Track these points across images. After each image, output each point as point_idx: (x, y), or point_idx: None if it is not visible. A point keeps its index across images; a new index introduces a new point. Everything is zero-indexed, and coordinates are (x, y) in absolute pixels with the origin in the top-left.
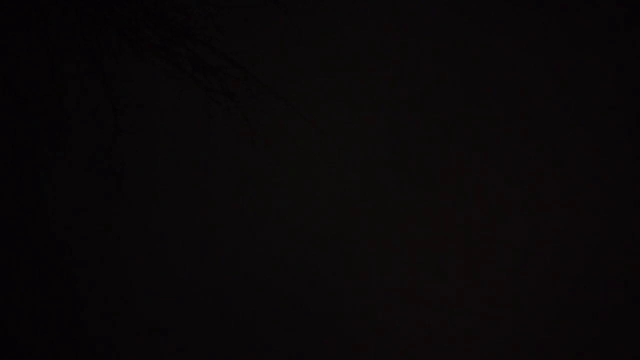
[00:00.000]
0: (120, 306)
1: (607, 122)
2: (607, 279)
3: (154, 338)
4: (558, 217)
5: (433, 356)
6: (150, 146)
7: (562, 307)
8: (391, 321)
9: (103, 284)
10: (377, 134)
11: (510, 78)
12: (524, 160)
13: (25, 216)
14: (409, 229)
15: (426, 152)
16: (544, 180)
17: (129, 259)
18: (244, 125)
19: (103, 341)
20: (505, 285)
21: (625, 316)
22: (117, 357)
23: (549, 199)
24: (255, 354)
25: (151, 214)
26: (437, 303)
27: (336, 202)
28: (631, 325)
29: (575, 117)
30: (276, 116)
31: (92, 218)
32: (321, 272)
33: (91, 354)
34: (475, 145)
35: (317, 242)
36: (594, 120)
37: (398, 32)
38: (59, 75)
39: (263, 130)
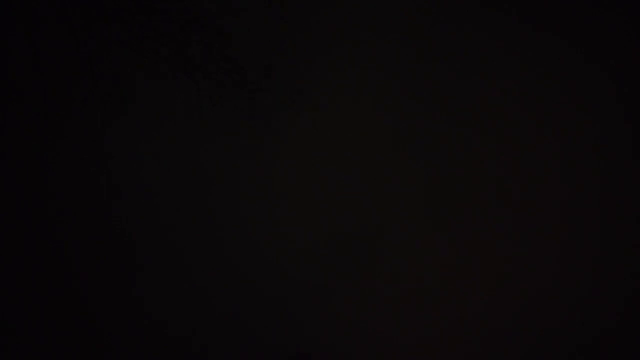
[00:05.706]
0: (119, 306)
1: (607, 122)
2: (607, 279)
3: (153, 338)
4: (559, 218)
5: None
6: (148, 147)
7: (563, 307)
8: (391, 323)
9: (102, 284)
10: (379, 134)
11: (511, 78)
12: (523, 160)
13: (24, 216)
14: (409, 229)
15: (431, 152)
16: (547, 181)
17: (129, 259)
18: (244, 126)
19: (102, 341)
20: (507, 287)
21: (625, 316)
22: (116, 357)
23: (550, 199)
24: (255, 354)
25: (151, 214)
26: (438, 308)
27: (336, 202)
28: (631, 325)
29: (576, 117)
30: (276, 116)
31: (92, 218)
32: (321, 273)
33: (90, 354)
34: (477, 146)
35: (317, 243)
36: (594, 120)
37: (398, 32)
38: (50, 75)
39: (264, 131)
